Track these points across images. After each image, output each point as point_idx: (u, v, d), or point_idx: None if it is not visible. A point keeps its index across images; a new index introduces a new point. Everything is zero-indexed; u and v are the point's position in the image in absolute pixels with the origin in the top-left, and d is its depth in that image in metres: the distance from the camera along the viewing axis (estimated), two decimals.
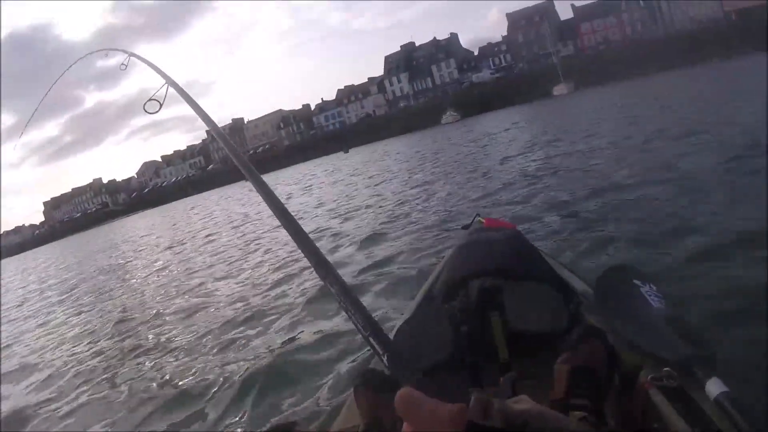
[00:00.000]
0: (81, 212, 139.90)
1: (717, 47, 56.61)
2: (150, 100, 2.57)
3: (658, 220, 5.88)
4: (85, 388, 5.86)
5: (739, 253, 4.36)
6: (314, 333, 5.17)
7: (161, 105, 2.57)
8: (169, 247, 18.89)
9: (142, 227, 44.37)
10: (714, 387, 1.53)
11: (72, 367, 6.88)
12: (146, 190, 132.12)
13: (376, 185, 18.88)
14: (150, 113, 2.58)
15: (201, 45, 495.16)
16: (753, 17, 65.26)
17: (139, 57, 3.39)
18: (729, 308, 3.47)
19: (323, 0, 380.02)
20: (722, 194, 6.27)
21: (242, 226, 18.31)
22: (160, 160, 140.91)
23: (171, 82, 2.60)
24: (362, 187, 19.52)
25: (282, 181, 41.47)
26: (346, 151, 72.61)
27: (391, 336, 1.88)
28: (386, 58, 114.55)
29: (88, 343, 7.90)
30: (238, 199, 36.33)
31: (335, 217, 13.25)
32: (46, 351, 8.29)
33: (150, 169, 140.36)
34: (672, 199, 6.61)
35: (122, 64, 3.46)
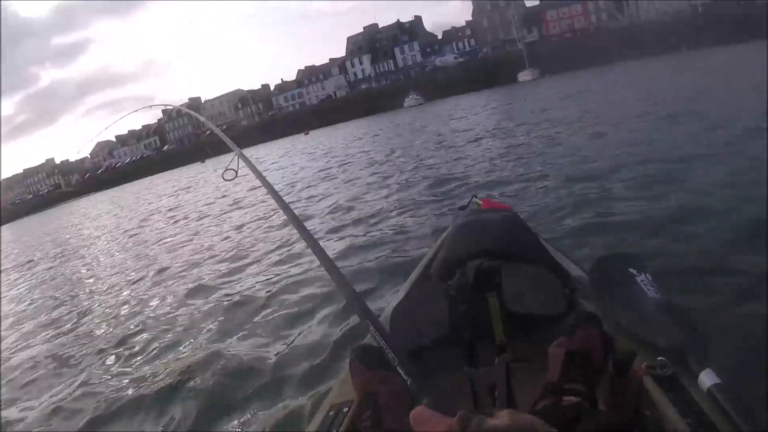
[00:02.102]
0: (33, 194, 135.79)
1: (684, 38, 56.16)
2: (227, 169, 2.88)
3: (654, 207, 5.92)
4: None
5: (737, 243, 4.43)
6: (306, 306, 5.31)
7: (236, 173, 2.87)
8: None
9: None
10: (707, 378, 1.54)
11: None
12: (100, 170, 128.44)
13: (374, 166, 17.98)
14: (227, 180, 2.96)
15: (159, 24, 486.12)
16: (719, 10, 65.56)
17: (202, 119, 4.00)
18: (725, 300, 3.54)
19: None
20: (717, 180, 6.37)
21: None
22: (114, 140, 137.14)
23: (239, 153, 2.90)
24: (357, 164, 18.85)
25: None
26: (307, 133, 71.43)
27: (388, 313, 2.30)
28: (348, 39, 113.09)
29: None
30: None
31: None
32: None
33: (104, 149, 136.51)
34: (667, 186, 6.63)
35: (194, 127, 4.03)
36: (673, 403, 1.52)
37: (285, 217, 2.30)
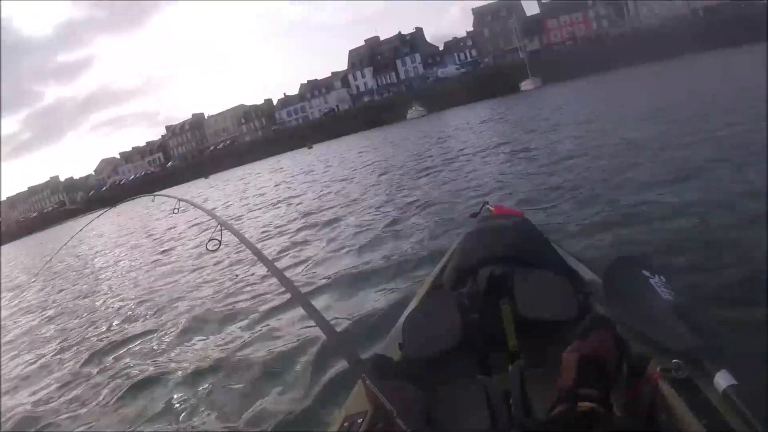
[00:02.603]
0: (37, 212, 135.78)
1: (685, 44, 55.95)
2: (210, 240, 2.84)
3: (667, 211, 5.81)
4: None
5: (750, 243, 4.33)
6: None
7: (220, 243, 2.85)
8: None
9: None
10: (723, 380, 1.54)
11: None
12: (104, 188, 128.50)
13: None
14: (211, 251, 2.90)
15: (162, 39, 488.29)
16: (720, 14, 65.54)
17: (189, 201, 3.94)
18: (739, 301, 3.45)
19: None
20: (729, 182, 6.28)
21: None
22: (118, 157, 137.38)
23: (223, 222, 2.95)
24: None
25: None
26: (310, 147, 71.40)
27: (401, 323, 2.33)
28: (350, 52, 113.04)
29: None
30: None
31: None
32: None
33: (108, 166, 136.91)
34: (679, 190, 6.54)
35: (174, 208, 4.07)
36: (689, 405, 1.52)
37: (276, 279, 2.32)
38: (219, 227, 2.92)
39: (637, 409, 1.62)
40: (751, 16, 57.02)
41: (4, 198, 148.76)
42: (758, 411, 1.39)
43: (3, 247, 70.06)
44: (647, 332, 1.88)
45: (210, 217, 3.21)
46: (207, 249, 2.88)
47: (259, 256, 2.50)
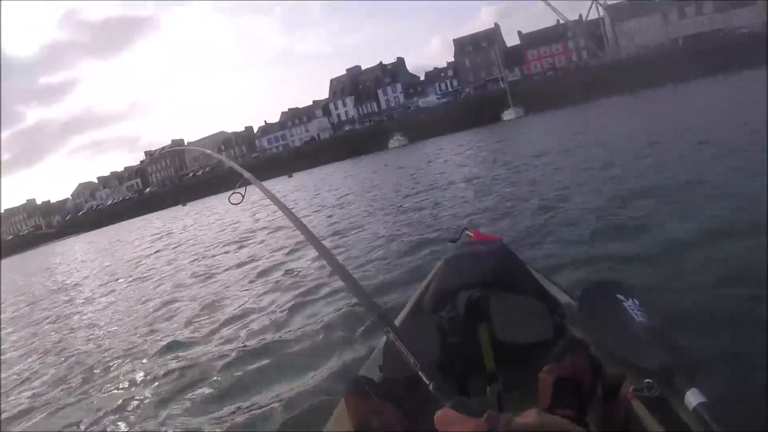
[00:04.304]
0: (13, 234, 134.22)
1: (667, 72, 56.55)
2: (234, 192, 2.88)
3: (640, 235, 6.03)
4: None
5: (720, 267, 4.48)
6: (301, 336, 5.31)
7: (243, 197, 2.90)
8: None
9: None
10: (693, 397, 1.60)
11: None
12: (81, 212, 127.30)
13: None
14: (234, 204, 2.92)
15: (145, 64, 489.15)
16: (699, 43, 66.53)
17: (226, 160, 3.67)
18: (710, 322, 3.57)
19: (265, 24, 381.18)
20: (702, 206, 6.52)
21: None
22: (96, 181, 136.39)
23: (251, 178, 2.89)
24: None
25: None
26: (290, 176, 71.00)
27: (381, 345, 2.42)
28: (331, 81, 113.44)
29: None
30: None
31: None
32: None
33: (86, 190, 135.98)
34: (653, 213, 6.79)
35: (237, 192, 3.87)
36: (661, 423, 1.58)
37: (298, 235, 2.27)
38: (242, 187, 2.92)
39: (612, 428, 1.64)
40: (730, 45, 57.88)
41: None
42: (727, 427, 1.46)
43: None
44: (621, 353, 1.93)
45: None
46: (229, 202, 2.96)
47: (288, 214, 2.37)
